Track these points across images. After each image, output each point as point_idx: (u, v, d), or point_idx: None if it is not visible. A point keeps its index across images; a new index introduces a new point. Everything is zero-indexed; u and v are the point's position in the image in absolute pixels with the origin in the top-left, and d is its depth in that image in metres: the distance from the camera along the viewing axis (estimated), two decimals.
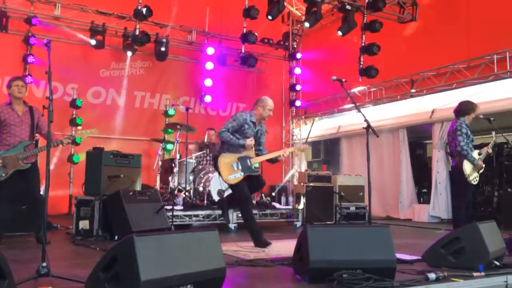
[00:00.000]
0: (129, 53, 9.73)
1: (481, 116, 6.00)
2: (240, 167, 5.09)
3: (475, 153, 5.73)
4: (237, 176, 5.07)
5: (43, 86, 9.20)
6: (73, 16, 9.40)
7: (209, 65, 11.02)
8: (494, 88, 8.38)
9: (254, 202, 8.10)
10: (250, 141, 5.13)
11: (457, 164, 5.73)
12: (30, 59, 9.04)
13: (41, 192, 5.39)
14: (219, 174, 5.15)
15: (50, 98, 3.54)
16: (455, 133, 5.71)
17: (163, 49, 10.00)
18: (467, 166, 5.61)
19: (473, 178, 5.66)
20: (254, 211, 7.53)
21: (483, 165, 5.77)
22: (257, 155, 5.34)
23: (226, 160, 5.10)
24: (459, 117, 5.84)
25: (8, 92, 5.22)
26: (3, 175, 5.06)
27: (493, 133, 6.05)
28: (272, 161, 5.45)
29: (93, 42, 9.41)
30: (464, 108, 5.84)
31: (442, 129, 9.14)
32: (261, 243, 5.03)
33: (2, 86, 8.72)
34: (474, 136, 6.03)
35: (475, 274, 3.52)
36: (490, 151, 5.92)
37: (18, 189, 5.32)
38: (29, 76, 8.91)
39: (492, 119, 6.05)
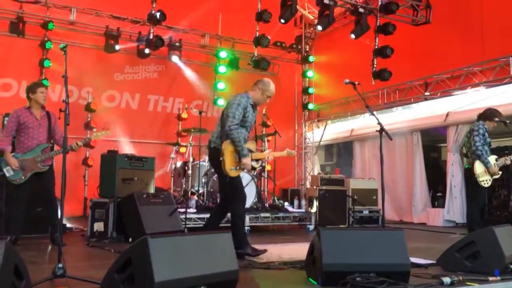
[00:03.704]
0: (146, 51, 9.76)
1: (497, 119, 5.95)
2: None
3: (491, 158, 5.69)
4: (238, 169, 4.54)
5: (58, 90, 9.33)
6: (88, 21, 9.52)
7: (222, 69, 11.07)
8: (509, 90, 8.28)
9: (266, 205, 8.11)
10: (249, 160, 4.56)
11: (470, 165, 5.70)
12: (46, 63, 9.18)
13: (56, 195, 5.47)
14: (223, 162, 4.46)
15: (66, 101, 3.61)
16: (471, 133, 5.73)
17: (175, 61, 10.06)
18: (478, 167, 5.59)
19: (484, 180, 5.61)
20: (267, 214, 7.56)
21: (499, 172, 5.72)
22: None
23: (231, 148, 4.51)
24: (479, 119, 5.86)
25: (32, 97, 5.32)
26: (23, 177, 5.17)
27: None
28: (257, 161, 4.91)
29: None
30: (487, 113, 5.92)
31: (457, 132, 9.05)
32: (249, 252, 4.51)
33: (20, 89, 8.88)
34: (491, 139, 5.98)
35: (490, 278, 3.49)
36: (509, 162, 5.87)
37: (33, 191, 5.41)
38: (45, 80, 9.04)
39: (508, 121, 5.99)
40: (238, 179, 4.64)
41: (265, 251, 4.54)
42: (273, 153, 5.14)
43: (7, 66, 9.06)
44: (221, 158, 4.48)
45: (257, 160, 4.86)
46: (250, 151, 4.68)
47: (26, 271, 2.72)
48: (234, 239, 4.23)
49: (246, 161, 4.55)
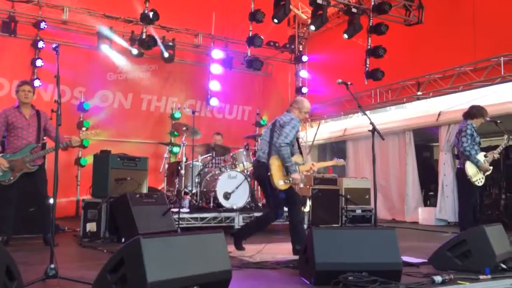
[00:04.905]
0: (134, 51, 9.74)
1: (488, 119, 5.99)
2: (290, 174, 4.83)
3: (480, 155, 5.71)
4: (287, 182, 4.83)
5: (51, 89, 9.28)
6: (81, 20, 9.49)
7: (215, 68, 11.06)
8: (501, 90, 8.35)
9: (260, 205, 8.12)
10: (298, 175, 4.86)
11: (461, 165, 5.73)
12: (39, 63, 9.12)
13: (48, 195, 5.44)
14: (271, 177, 4.77)
15: (58, 101, 3.59)
16: (460, 134, 5.74)
17: (166, 55, 10.03)
18: (469, 168, 5.61)
19: (477, 179, 5.64)
20: (260, 213, 7.55)
21: (490, 168, 5.75)
22: None
23: (278, 162, 4.80)
24: (467, 119, 5.85)
25: (16, 96, 5.31)
26: (11, 178, 5.13)
27: (505, 136, 6.02)
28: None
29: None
30: (473, 112, 5.86)
31: (449, 132, 9.11)
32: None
33: (11, 90, 8.82)
34: (482, 139, 6.01)
35: (481, 277, 3.52)
36: (497, 156, 5.90)
37: (25, 192, 5.37)
38: (37, 80, 8.98)
39: (499, 121, 6.04)
40: (290, 191, 4.92)
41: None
42: (318, 164, 5.36)
43: None
44: (269, 173, 4.77)
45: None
46: (297, 164, 4.94)
47: (18, 272, 2.71)
48: (295, 239, 4.75)
49: (296, 176, 4.82)
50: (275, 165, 4.79)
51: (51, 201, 5.15)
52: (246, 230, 5.23)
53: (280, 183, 4.78)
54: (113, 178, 6.37)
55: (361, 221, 8.66)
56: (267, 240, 6.33)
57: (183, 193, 7.64)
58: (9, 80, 8.99)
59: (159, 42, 9.32)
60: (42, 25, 8.95)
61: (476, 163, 5.61)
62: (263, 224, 5.22)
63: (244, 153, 7.90)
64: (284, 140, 4.74)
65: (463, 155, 5.65)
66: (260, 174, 5.02)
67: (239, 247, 5.01)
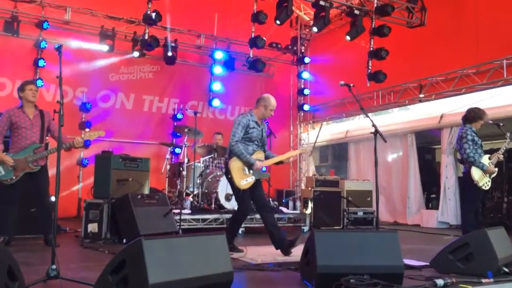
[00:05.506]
0: (135, 54, 9.76)
1: (490, 121, 5.97)
2: (251, 171, 4.96)
3: (484, 159, 5.68)
4: (249, 180, 4.94)
5: (53, 90, 9.28)
6: (83, 21, 9.50)
7: (218, 69, 11.06)
8: (503, 93, 8.33)
9: None
10: (260, 164, 4.98)
11: (467, 170, 5.71)
12: (41, 63, 9.13)
13: (50, 195, 5.44)
14: (232, 179, 4.93)
15: (61, 102, 3.58)
16: (461, 140, 5.71)
17: (169, 53, 10.03)
18: (475, 173, 5.59)
19: (484, 183, 5.62)
20: None
21: (495, 169, 5.73)
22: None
23: (237, 164, 4.93)
24: (465, 123, 5.83)
25: (21, 95, 5.29)
26: (13, 177, 5.12)
27: (508, 134, 5.99)
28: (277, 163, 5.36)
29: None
30: (471, 115, 5.82)
31: (451, 134, 9.10)
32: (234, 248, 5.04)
33: (13, 89, 8.82)
34: (485, 142, 5.99)
35: (483, 280, 3.51)
36: (501, 157, 5.88)
37: (27, 192, 5.37)
38: (39, 80, 8.99)
39: (501, 124, 6.02)
40: (253, 193, 5.03)
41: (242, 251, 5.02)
42: (280, 157, 5.29)
43: (1, 65, 9.01)
44: (229, 176, 4.94)
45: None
46: (259, 160, 5.06)
47: (20, 272, 2.71)
48: (274, 239, 4.94)
49: (257, 167, 4.94)
50: (234, 167, 4.92)
51: (53, 199, 5.18)
52: (229, 232, 5.16)
53: (242, 183, 4.91)
54: (115, 179, 6.37)
55: (362, 224, 8.64)
56: (268, 242, 6.32)
57: (184, 194, 7.64)
58: (11, 80, 8.99)
59: (168, 40, 9.33)
60: (45, 25, 8.96)
61: (482, 168, 5.59)
62: (237, 221, 5.30)
63: None
64: (232, 139, 4.91)
65: (467, 161, 5.64)
66: (225, 173, 5.18)
67: (234, 249, 5.00)
